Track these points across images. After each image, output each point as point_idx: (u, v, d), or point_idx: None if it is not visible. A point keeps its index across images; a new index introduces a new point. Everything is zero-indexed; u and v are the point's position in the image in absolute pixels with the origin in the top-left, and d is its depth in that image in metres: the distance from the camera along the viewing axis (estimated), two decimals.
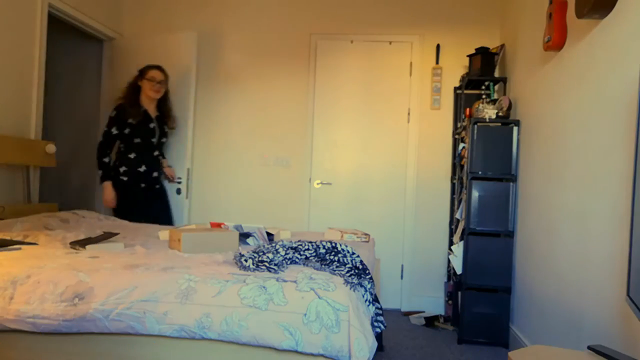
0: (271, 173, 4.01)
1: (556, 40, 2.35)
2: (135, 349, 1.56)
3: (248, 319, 1.47)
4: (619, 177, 1.76)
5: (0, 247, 1.95)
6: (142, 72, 3.29)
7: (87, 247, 1.99)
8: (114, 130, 3.19)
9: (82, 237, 2.31)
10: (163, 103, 3.40)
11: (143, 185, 3.28)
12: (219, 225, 2.50)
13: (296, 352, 1.46)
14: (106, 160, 3.20)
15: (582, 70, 2.16)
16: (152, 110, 3.35)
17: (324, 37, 3.97)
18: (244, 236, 2.37)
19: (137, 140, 3.23)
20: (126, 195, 3.23)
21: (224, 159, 4.05)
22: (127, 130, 3.21)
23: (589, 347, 1.47)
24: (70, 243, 2.08)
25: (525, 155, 2.92)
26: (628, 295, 1.31)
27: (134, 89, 3.28)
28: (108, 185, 3.19)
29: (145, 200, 3.32)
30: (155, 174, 3.33)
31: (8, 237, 2.19)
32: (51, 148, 3.10)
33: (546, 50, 2.47)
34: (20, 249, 1.97)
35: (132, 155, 3.22)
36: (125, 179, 3.20)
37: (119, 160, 3.24)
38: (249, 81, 4.03)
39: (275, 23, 4.01)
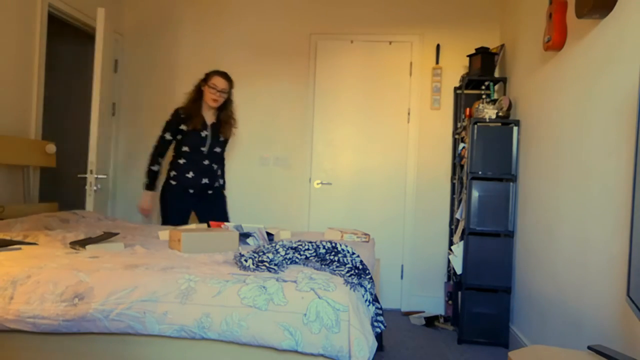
0: (271, 173, 4.01)
1: (556, 40, 2.35)
2: (135, 349, 1.56)
3: (248, 319, 1.47)
4: (619, 176, 1.76)
5: (0, 247, 1.95)
6: (206, 77, 3.14)
7: (87, 247, 1.99)
8: (167, 136, 3.11)
9: (82, 237, 2.30)
10: (222, 110, 3.21)
11: (192, 190, 3.13)
12: (219, 225, 2.50)
13: (296, 352, 1.46)
14: (154, 168, 3.11)
15: (582, 70, 2.16)
16: (210, 117, 3.18)
17: (324, 37, 3.97)
18: (244, 236, 2.37)
19: (185, 148, 3.10)
20: (174, 198, 3.12)
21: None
22: (179, 137, 3.12)
23: (589, 347, 1.47)
24: (70, 243, 2.08)
25: (525, 155, 2.92)
26: (628, 295, 1.31)
27: (196, 93, 3.15)
28: (146, 194, 3.12)
29: (195, 205, 3.21)
30: (205, 180, 3.14)
31: (8, 237, 2.19)
32: (51, 148, 3.10)
33: (546, 50, 2.47)
34: (20, 249, 1.97)
35: (181, 161, 3.10)
36: (174, 183, 3.10)
37: (171, 164, 3.16)
38: (249, 81, 4.03)
39: (275, 23, 4.01)
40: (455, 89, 3.83)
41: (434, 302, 3.81)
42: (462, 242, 3.13)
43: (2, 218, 2.64)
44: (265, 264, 1.70)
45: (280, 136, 4.02)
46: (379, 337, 2.80)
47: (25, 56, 3.10)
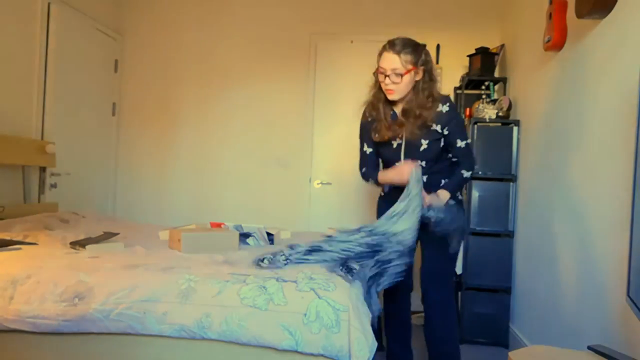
0: (271, 173, 4.01)
1: (556, 40, 2.35)
2: (135, 349, 1.56)
3: (248, 319, 1.47)
4: (619, 176, 1.76)
5: (0, 247, 1.95)
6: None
7: (87, 247, 1.99)
8: (365, 147, 2.26)
9: (82, 237, 2.31)
10: (414, 99, 2.07)
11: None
12: (219, 225, 2.50)
13: (296, 352, 1.46)
14: (364, 170, 2.27)
15: (582, 70, 2.16)
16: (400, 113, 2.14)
17: (324, 37, 3.96)
18: (244, 236, 2.37)
19: (382, 160, 2.29)
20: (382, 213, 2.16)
21: (224, 159, 4.05)
22: (374, 148, 2.25)
23: (589, 347, 1.47)
24: (70, 243, 2.08)
25: (525, 155, 2.92)
26: (628, 295, 1.31)
27: (376, 84, 2.22)
28: (385, 174, 2.18)
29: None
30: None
31: (8, 237, 2.19)
32: (51, 148, 3.10)
33: (546, 50, 2.47)
34: (20, 249, 1.97)
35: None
36: (382, 194, 2.36)
37: None
38: (248, 81, 4.02)
39: (275, 23, 4.00)
40: (455, 89, 3.82)
41: None
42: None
43: (2, 218, 2.63)
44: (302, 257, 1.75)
45: (280, 136, 4.01)
46: (379, 337, 2.80)
47: (25, 56, 3.10)
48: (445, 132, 2.09)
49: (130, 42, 4.13)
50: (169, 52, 4.09)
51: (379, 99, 2.17)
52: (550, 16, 2.40)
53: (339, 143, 3.95)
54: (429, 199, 2.02)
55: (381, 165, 2.32)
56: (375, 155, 2.27)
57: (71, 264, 1.70)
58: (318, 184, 3.96)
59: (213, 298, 1.50)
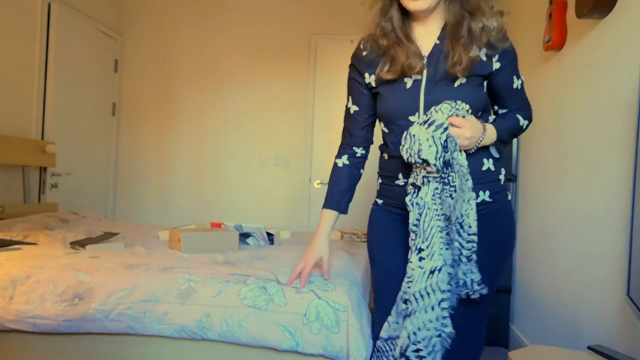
0: (271, 173, 4.01)
1: (556, 40, 2.35)
2: (135, 349, 1.56)
3: (248, 319, 1.47)
4: (619, 176, 1.76)
5: (0, 247, 1.96)
6: None
7: (87, 247, 1.99)
8: (349, 103, 1.56)
9: (82, 237, 2.31)
10: (457, 15, 1.25)
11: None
12: (219, 225, 2.50)
13: (296, 352, 1.46)
14: (340, 145, 1.79)
15: (582, 71, 2.16)
16: (427, 39, 1.31)
17: (324, 37, 3.96)
18: (244, 236, 2.37)
19: (382, 125, 1.47)
20: (378, 231, 1.76)
21: (224, 159, 4.05)
22: (365, 103, 1.48)
23: (589, 347, 1.47)
24: (70, 243, 2.08)
25: (525, 155, 2.92)
26: (628, 295, 1.31)
27: None
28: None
29: None
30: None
31: (8, 237, 2.19)
32: (51, 148, 3.10)
33: (546, 50, 2.47)
34: (20, 249, 1.98)
35: (385, 155, 1.60)
36: (379, 202, 1.74)
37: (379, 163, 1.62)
38: (249, 81, 4.03)
39: (275, 23, 4.00)
40: None
41: None
42: None
43: (2, 218, 2.64)
44: None
45: (280, 136, 4.01)
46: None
47: (25, 56, 3.10)
48: (497, 66, 1.27)
49: (130, 42, 4.13)
50: (169, 52, 4.09)
51: (386, 15, 1.29)
52: (550, 16, 2.40)
53: (339, 143, 3.94)
54: (457, 121, 1.19)
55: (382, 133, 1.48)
56: (367, 116, 1.49)
57: (71, 264, 1.70)
58: (318, 184, 3.96)
59: (213, 298, 1.50)
